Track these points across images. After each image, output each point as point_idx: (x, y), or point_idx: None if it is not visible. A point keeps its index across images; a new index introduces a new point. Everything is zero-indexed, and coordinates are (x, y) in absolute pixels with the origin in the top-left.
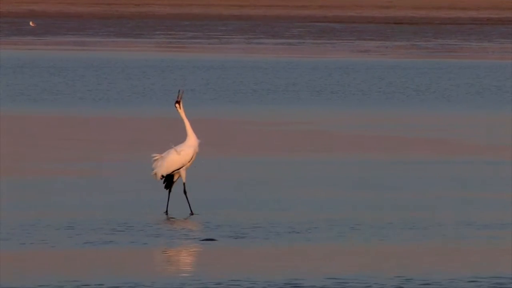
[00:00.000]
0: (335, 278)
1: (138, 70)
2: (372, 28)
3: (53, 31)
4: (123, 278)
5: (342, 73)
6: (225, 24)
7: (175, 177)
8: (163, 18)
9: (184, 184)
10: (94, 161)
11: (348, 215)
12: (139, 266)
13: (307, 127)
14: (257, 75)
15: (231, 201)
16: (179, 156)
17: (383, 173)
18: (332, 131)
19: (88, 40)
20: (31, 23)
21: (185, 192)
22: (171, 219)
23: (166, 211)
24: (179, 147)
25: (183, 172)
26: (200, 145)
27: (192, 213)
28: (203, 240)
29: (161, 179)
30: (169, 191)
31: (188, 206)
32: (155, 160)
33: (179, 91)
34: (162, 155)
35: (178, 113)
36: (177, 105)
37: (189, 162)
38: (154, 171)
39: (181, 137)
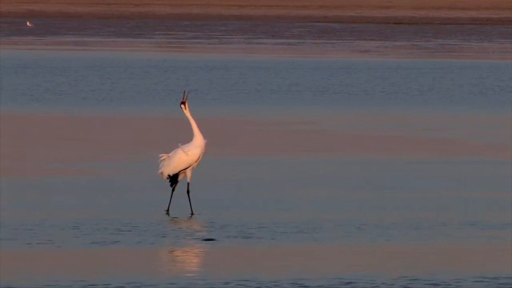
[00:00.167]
0: (341, 278)
1: (140, 70)
2: (372, 28)
3: (53, 31)
4: (127, 278)
5: (343, 74)
6: (225, 24)
7: (180, 177)
8: (163, 18)
9: (188, 184)
10: (96, 161)
11: (353, 215)
12: (144, 266)
13: (310, 127)
14: (259, 75)
15: (234, 201)
16: (186, 156)
17: (386, 173)
18: (334, 131)
19: (88, 40)
20: (28, 23)
21: (188, 192)
22: (175, 218)
23: (168, 210)
24: (186, 147)
25: (188, 172)
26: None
27: (192, 214)
28: (203, 240)
29: (167, 178)
30: (173, 190)
31: (190, 206)
32: (162, 159)
33: (184, 92)
34: (169, 154)
35: (184, 114)
36: (182, 105)
37: (195, 162)
38: (161, 170)
39: (182, 137)
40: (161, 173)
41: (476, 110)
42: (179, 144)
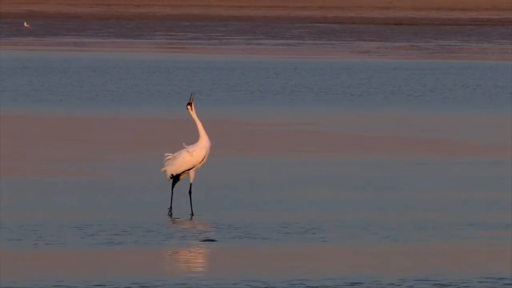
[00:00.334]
0: (346, 279)
1: (140, 71)
2: (372, 29)
3: (53, 31)
4: (127, 278)
5: (343, 74)
6: (225, 25)
7: (191, 179)
8: (163, 19)
9: (190, 184)
10: (97, 161)
11: (355, 216)
12: (145, 267)
13: (311, 128)
14: (260, 76)
15: (236, 201)
16: (190, 157)
17: (387, 173)
18: (335, 132)
19: (88, 41)
20: (25, 24)
21: (190, 193)
22: (176, 219)
23: (170, 207)
24: (191, 148)
25: (192, 173)
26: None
27: (192, 214)
28: (203, 241)
29: (170, 178)
30: (172, 187)
31: (190, 206)
32: (168, 159)
33: (191, 93)
34: (174, 154)
35: (190, 115)
36: (188, 106)
37: (200, 163)
38: (164, 168)
39: (184, 138)
40: (165, 171)
41: (476, 110)
42: (184, 145)
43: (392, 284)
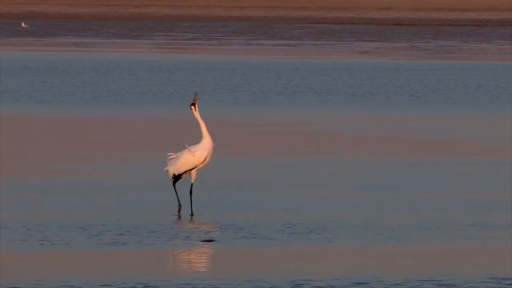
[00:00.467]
0: (349, 279)
1: (141, 71)
2: (371, 29)
3: (53, 32)
4: (135, 279)
5: (344, 75)
6: (224, 26)
7: (193, 179)
8: (163, 20)
9: (191, 184)
10: (99, 161)
11: (358, 216)
12: (147, 267)
13: (312, 128)
14: (261, 77)
15: (237, 201)
16: (192, 157)
17: (388, 174)
18: (337, 132)
19: (88, 41)
20: (23, 24)
21: (190, 193)
22: (180, 219)
23: (179, 205)
24: (194, 148)
25: (193, 173)
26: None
27: (192, 214)
28: (206, 241)
29: (172, 178)
30: (174, 186)
31: (190, 206)
32: (171, 159)
33: (195, 93)
34: (177, 154)
35: (194, 115)
36: (192, 107)
37: (202, 164)
38: (167, 167)
39: (184, 138)
40: (167, 171)
41: (477, 111)
42: (186, 145)
43: (397, 284)
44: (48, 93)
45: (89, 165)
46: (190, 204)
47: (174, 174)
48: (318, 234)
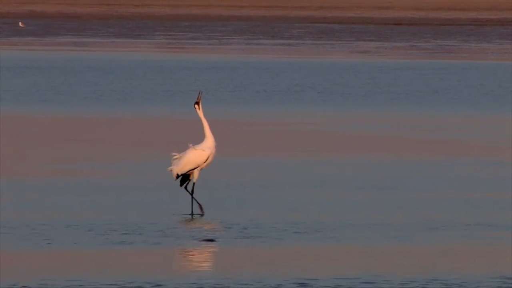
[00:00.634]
0: (353, 278)
1: (141, 71)
2: (371, 29)
3: (53, 31)
4: (139, 278)
5: (345, 75)
6: (224, 25)
7: (195, 178)
8: (163, 19)
9: (193, 184)
10: (99, 161)
11: (360, 216)
12: (149, 267)
13: (313, 128)
14: (261, 76)
15: (242, 201)
16: (194, 157)
17: (389, 174)
18: (337, 132)
19: (88, 41)
20: (20, 24)
21: (192, 192)
22: (181, 219)
23: (200, 206)
24: (198, 147)
25: (196, 173)
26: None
27: (192, 213)
28: (210, 240)
29: (177, 178)
30: (186, 190)
31: (191, 206)
32: (174, 159)
33: (198, 92)
34: (181, 154)
35: (197, 114)
36: (196, 106)
37: (204, 163)
38: (170, 167)
39: (185, 138)
40: (171, 171)
41: (477, 110)
42: (189, 145)
43: (401, 283)
44: (48, 93)
45: (90, 165)
46: (191, 204)
47: (177, 174)
48: (322, 233)
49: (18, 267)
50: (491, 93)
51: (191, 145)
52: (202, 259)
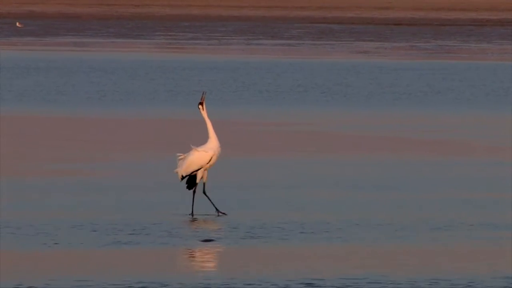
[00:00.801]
0: (359, 279)
1: (141, 71)
2: (371, 29)
3: (53, 32)
4: (135, 278)
5: (345, 75)
6: (224, 25)
7: (198, 179)
8: (163, 19)
9: (204, 184)
10: (99, 161)
11: (362, 216)
12: (152, 267)
13: (314, 128)
14: (262, 76)
15: (244, 201)
16: (197, 158)
17: (390, 174)
18: (340, 132)
19: (88, 41)
20: (17, 24)
21: (205, 193)
22: (187, 219)
23: (192, 213)
24: (199, 148)
25: (202, 173)
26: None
27: (218, 212)
28: (203, 240)
29: (182, 179)
30: (194, 192)
31: (213, 205)
32: (180, 159)
33: (202, 93)
34: (185, 155)
35: (201, 115)
36: (200, 106)
37: (207, 164)
38: (176, 169)
39: (186, 138)
40: (177, 173)
41: (477, 110)
42: (192, 146)
43: (409, 283)
44: (48, 92)
45: (91, 165)
46: (210, 203)
47: (182, 176)
48: (328, 233)
49: (25, 267)
50: (492, 93)
51: (193, 147)
52: (208, 259)
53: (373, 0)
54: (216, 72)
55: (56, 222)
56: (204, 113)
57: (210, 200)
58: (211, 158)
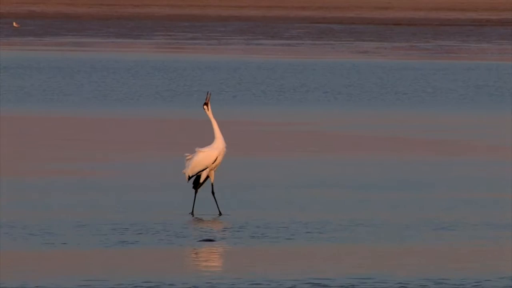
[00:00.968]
0: (361, 278)
1: (142, 71)
2: (371, 29)
3: (53, 32)
4: (137, 278)
5: (348, 74)
6: (224, 25)
7: (202, 179)
8: (162, 19)
9: (212, 184)
10: (100, 161)
11: (364, 215)
12: (155, 266)
13: (315, 128)
14: (263, 76)
15: (247, 201)
16: (203, 158)
17: (390, 173)
18: (338, 132)
19: (88, 41)
20: (14, 24)
21: (213, 193)
22: (191, 219)
23: (192, 212)
24: (205, 149)
25: (208, 174)
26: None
27: (220, 214)
28: (202, 240)
29: (189, 180)
30: (196, 192)
31: (217, 206)
32: (187, 160)
33: (207, 93)
34: (192, 155)
35: (207, 115)
36: (205, 106)
37: (213, 164)
38: (184, 170)
39: (187, 138)
40: (184, 173)
41: (477, 110)
42: (196, 149)
43: (414, 283)
44: (48, 92)
45: (91, 165)
46: (215, 204)
47: (189, 176)
48: (333, 233)
49: (30, 267)
50: (491, 93)
51: (198, 149)
52: (214, 259)
53: (373, 0)
54: (217, 72)
55: (59, 222)
56: (209, 113)
57: (216, 202)
58: (217, 158)
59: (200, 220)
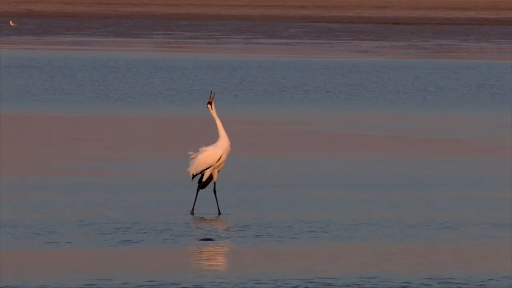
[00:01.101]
0: (365, 277)
1: (144, 70)
2: (370, 28)
3: (52, 31)
4: (140, 278)
5: (349, 74)
6: (223, 24)
7: (205, 177)
8: (161, 18)
9: (214, 183)
10: (100, 161)
11: (365, 215)
12: (156, 266)
13: (317, 127)
14: (263, 76)
15: (250, 201)
16: (207, 157)
17: (390, 173)
18: (339, 132)
19: (87, 40)
20: (11, 23)
21: (214, 192)
22: (195, 218)
23: (192, 211)
24: (209, 147)
25: (214, 172)
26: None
27: (219, 213)
28: (201, 239)
29: (193, 178)
30: (197, 191)
31: (217, 205)
32: (192, 158)
33: (211, 92)
34: (196, 153)
35: (210, 114)
36: (209, 105)
37: (217, 162)
38: (188, 169)
39: (187, 137)
40: (188, 172)
41: (477, 110)
42: (200, 149)
43: (419, 281)
44: (48, 92)
45: (92, 165)
46: (216, 203)
47: (193, 174)
48: (337, 232)
49: (33, 266)
50: (491, 93)
51: (201, 148)
52: (218, 258)
53: None
54: (219, 71)
55: (62, 221)
56: (213, 112)
57: (217, 201)
58: (221, 156)
59: (203, 219)
